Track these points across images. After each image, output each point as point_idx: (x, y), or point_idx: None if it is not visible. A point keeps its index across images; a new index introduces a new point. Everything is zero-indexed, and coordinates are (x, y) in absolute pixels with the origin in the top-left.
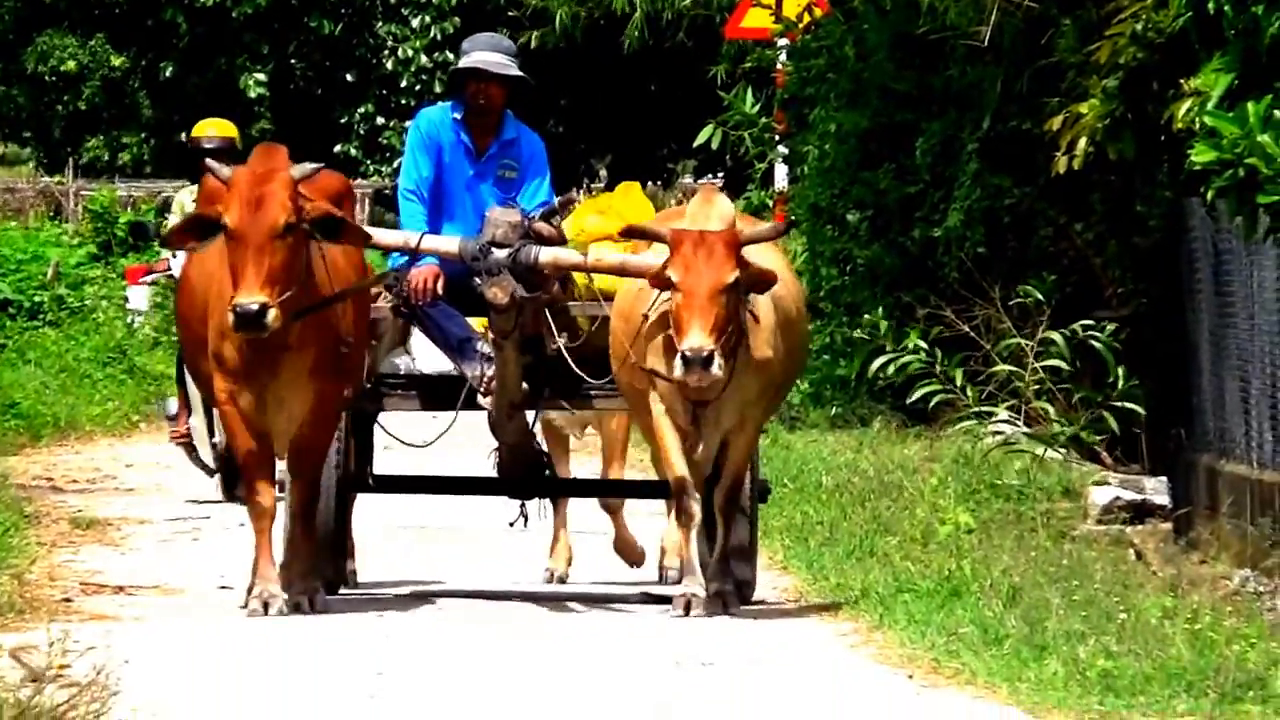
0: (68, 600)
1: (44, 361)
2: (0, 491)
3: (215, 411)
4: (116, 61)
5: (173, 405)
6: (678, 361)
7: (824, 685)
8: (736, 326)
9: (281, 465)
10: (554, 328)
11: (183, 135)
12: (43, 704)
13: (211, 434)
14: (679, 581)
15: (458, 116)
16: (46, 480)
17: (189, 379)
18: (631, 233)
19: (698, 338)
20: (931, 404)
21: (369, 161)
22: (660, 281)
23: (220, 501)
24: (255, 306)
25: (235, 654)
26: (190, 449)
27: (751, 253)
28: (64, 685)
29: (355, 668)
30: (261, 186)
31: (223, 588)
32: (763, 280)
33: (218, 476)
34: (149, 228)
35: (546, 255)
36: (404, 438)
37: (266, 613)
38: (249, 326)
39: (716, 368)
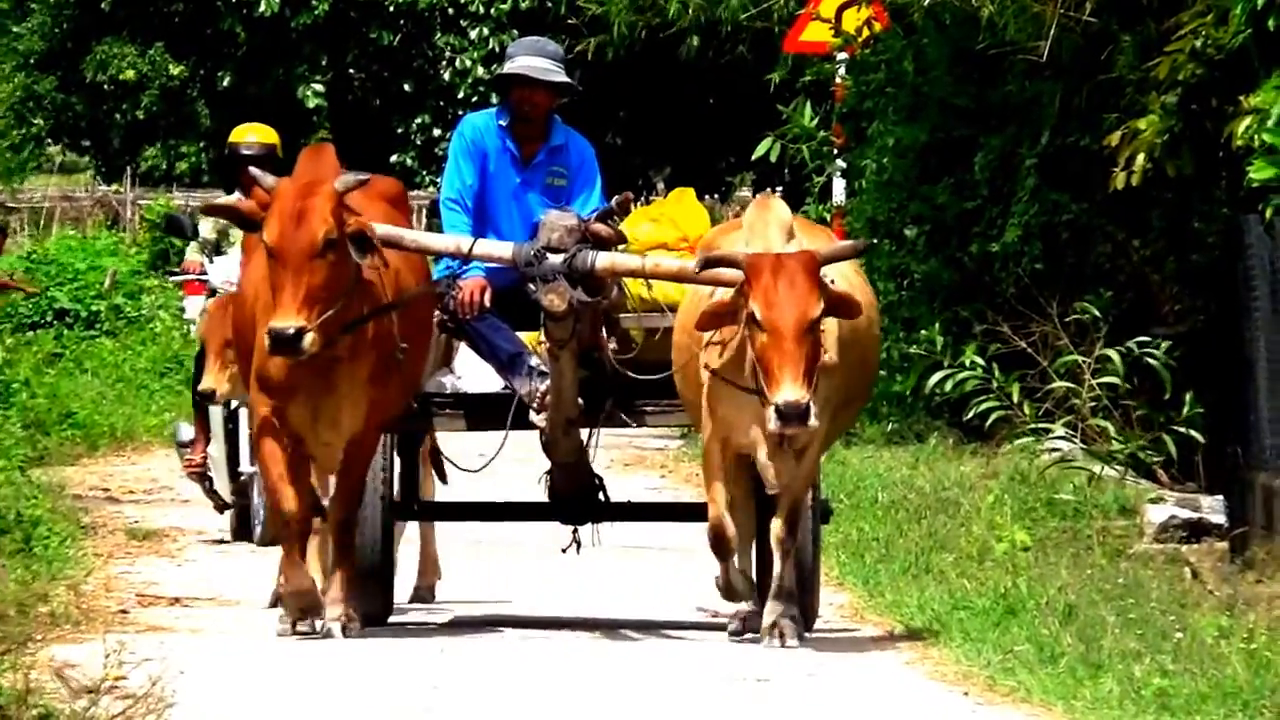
0: (124, 611)
1: (101, 371)
2: (57, 502)
3: (245, 440)
4: (175, 70)
5: (186, 431)
6: (770, 414)
7: (879, 702)
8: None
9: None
10: (606, 338)
11: None
12: (98, 715)
13: (236, 463)
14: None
15: (503, 123)
16: (103, 491)
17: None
18: (708, 264)
19: (792, 390)
20: (989, 421)
21: (425, 172)
22: (733, 306)
23: (227, 541)
24: (291, 330)
25: (290, 666)
26: (205, 480)
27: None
28: (120, 696)
29: (410, 682)
30: (303, 200)
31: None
32: (845, 307)
33: (229, 513)
34: (185, 223)
35: (604, 260)
36: (455, 461)
37: (294, 630)
38: (284, 350)
39: (813, 419)
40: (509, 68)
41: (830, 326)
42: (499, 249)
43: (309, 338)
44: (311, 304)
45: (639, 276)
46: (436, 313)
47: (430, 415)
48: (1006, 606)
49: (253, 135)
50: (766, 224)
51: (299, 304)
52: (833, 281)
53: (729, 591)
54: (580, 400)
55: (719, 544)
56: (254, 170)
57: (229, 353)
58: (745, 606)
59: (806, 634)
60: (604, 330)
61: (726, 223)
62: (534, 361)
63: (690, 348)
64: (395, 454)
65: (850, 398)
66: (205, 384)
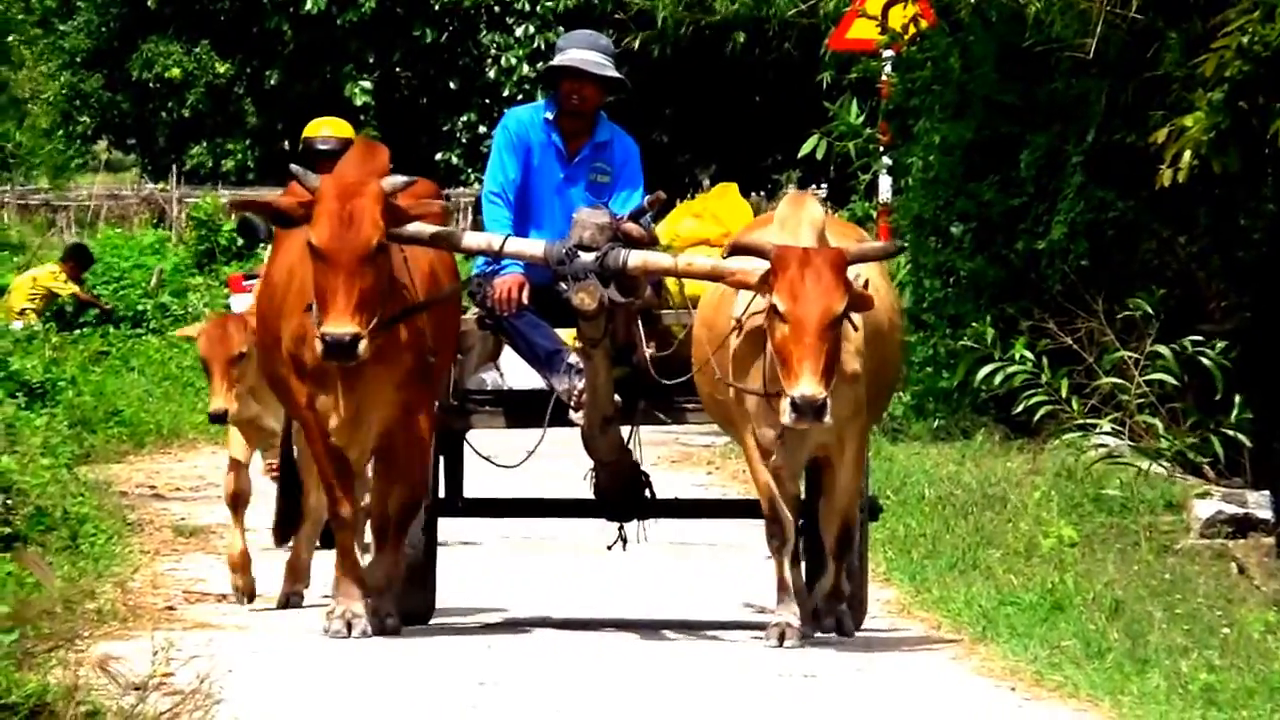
0: (171, 608)
1: (147, 369)
2: (104, 499)
3: None
4: (221, 68)
5: None
6: (785, 406)
7: (927, 697)
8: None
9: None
10: (642, 336)
11: (286, 144)
12: (146, 712)
13: None
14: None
15: (549, 117)
16: (149, 488)
17: None
18: (735, 251)
19: (809, 385)
20: (1036, 416)
21: (470, 170)
22: (760, 290)
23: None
24: (347, 337)
25: (338, 663)
26: None
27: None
28: (168, 693)
29: (457, 678)
30: (351, 201)
31: (326, 597)
32: (861, 303)
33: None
34: (258, 226)
35: (636, 259)
36: (493, 458)
37: (350, 634)
38: (339, 356)
39: (828, 416)
40: (560, 60)
41: (855, 334)
42: (530, 247)
43: (363, 344)
44: (364, 309)
45: (672, 275)
46: (475, 309)
47: (470, 412)
48: (1053, 602)
49: (327, 129)
50: (799, 222)
51: (352, 309)
52: (858, 277)
53: (784, 590)
54: (618, 398)
55: (773, 526)
56: (295, 167)
57: (234, 371)
58: (784, 618)
59: (855, 631)
60: (641, 330)
61: (758, 218)
62: (572, 359)
63: (707, 345)
64: (437, 453)
65: (872, 397)
66: (216, 405)
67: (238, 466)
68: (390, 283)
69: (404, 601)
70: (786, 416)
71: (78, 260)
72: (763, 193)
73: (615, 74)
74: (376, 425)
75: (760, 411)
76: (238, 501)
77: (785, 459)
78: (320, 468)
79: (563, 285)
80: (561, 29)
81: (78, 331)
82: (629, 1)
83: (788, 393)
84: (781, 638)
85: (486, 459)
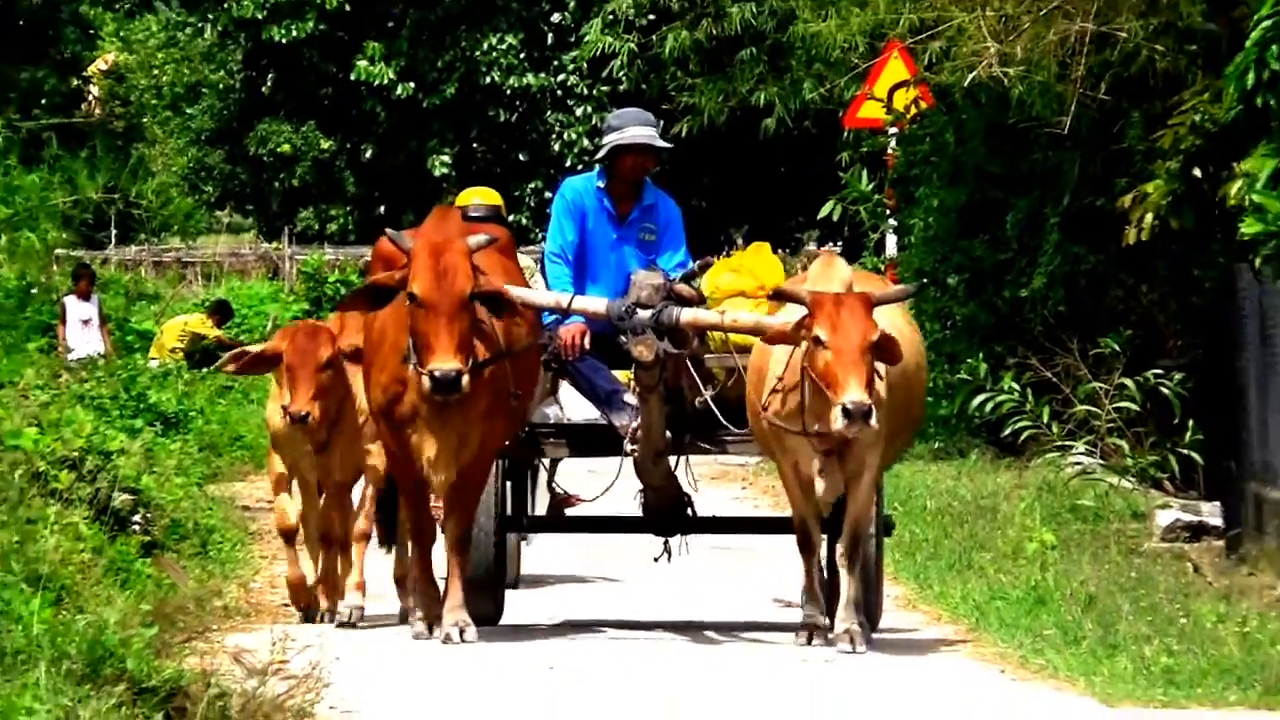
0: (286, 605)
1: (265, 401)
2: (229, 512)
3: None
4: (325, 145)
5: None
6: (837, 414)
7: (929, 677)
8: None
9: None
10: (699, 381)
11: (381, 209)
12: (265, 694)
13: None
14: None
15: (601, 185)
16: (268, 503)
17: None
18: (777, 295)
19: (857, 392)
20: (1021, 438)
21: (538, 230)
22: (794, 338)
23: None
24: (454, 373)
25: (429, 652)
26: None
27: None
28: (284, 678)
29: (530, 666)
30: (444, 256)
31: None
32: (889, 351)
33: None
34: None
35: (687, 315)
36: (563, 486)
37: (462, 639)
38: (446, 390)
39: (875, 420)
40: (625, 139)
41: (881, 371)
42: (594, 304)
43: (465, 379)
44: (463, 349)
45: (719, 330)
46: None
47: (538, 443)
48: (1037, 597)
49: (478, 199)
50: (829, 280)
51: (454, 348)
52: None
53: (811, 594)
54: (668, 434)
55: (804, 540)
56: (389, 230)
57: (322, 377)
58: (813, 619)
59: (867, 646)
60: (696, 376)
61: (794, 278)
62: (629, 398)
63: (756, 392)
64: (506, 478)
65: (897, 430)
66: (298, 406)
67: (285, 500)
68: (479, 330)
69: (477, 606)
70: (838, 423)
71: (221, 313)
72: (787, 249)
73: (667, 144)
74: (463, 458)
75: (804, 449)
76: (289, 534)
77: (828, 487)
78: (407, 496)
79: (623, 339)
80: (614, 109)
81: (206, 370)
82: (676, 97)
83: (837, 401)
84: (810, 637)
85: (567, 494)
